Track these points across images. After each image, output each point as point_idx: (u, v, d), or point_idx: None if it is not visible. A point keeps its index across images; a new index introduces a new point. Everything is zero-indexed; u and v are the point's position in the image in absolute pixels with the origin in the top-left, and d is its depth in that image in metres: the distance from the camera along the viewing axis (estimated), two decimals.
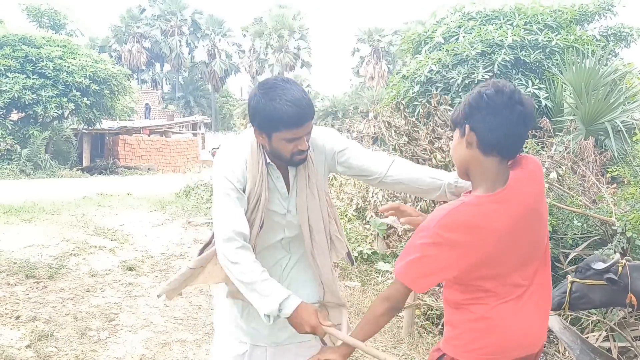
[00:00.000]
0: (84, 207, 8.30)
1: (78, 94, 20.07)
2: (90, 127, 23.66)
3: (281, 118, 1.94)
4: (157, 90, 53.65)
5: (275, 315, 1.95)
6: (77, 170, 21.61)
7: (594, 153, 6.81)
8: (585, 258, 3.75)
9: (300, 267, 2.30)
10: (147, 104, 48.99)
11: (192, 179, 11.03)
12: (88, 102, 20.55)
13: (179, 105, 50.95)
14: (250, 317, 2.24)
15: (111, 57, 37.21)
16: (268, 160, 2.11)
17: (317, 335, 2.00)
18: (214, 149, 31.67)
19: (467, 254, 1.68)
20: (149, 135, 28.08)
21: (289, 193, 2.17)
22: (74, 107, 20.44)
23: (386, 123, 6.65)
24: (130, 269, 5.61)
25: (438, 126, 6.33)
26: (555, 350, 4.96)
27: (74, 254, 5.78)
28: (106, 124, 25.49)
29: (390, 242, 6.56)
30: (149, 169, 24.22)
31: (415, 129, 6.55)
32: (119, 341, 4.21)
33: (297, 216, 2.19)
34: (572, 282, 3.52)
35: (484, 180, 1.74)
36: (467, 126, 1.71)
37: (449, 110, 7.10)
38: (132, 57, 48.82)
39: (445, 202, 2.07)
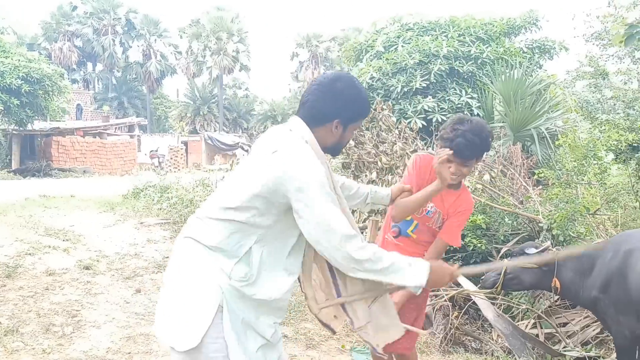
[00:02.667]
0: (30, 208, 8.23)
1: (7, 96, 19.44)
2: (20, 128, 22.89)
3: (367, 109, 2.23)
4: (89, 90, 52.12)
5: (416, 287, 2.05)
6: (8, 172, 20.89)
7: (522, 157, 7.41)
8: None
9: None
10: (78, 105, 47.55)
11: (139, 181, 11.02)
12: (18, 103, 19.92)
13: (112, 107, 49.65)
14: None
15: (40, 55, 35.94)
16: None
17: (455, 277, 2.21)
18: (152, 151, 31.22)
19: None
20: (83, 137, 27.37)
21: None
22: (2, 108, 19.75)
23: None
24: (87, 268, 5.71)
25: (382, 131, 6.74)
26: (489, 337, 5.45)
27: (30, 254, 5.82)
28: (37, 125, 24.69)
29: None
30: (84, 171, 23.64)
31: (361, 133, 6.94)
32: (83, 336, 4.34)
33: None
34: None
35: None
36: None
37: (390, 116, 7.55)
38: (62, 56, 47.23)
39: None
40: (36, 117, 22.06)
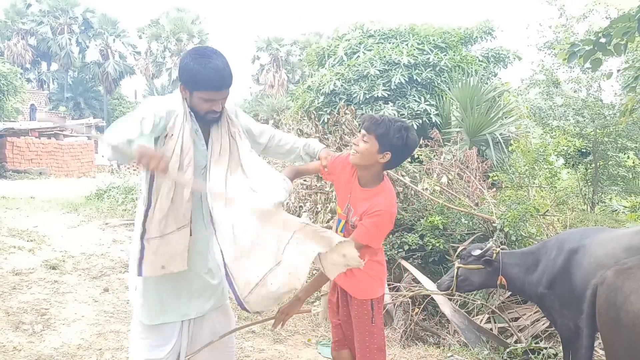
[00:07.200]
0: None
1: None
2: None
3: (203, 80, 2.35)
4: (43, 90, 50.82)
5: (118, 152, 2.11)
6: None
7: (477, 161, 7.73)
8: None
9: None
10: (32, 105, 46.34)
11: (102, 182, 10.97)
12: None
13: (68, 107, 48.54)
14: (177, 295, 2.52)
15: None
16: (189, 111, 2.46)
17: (160, 169, 2.07)
18: None
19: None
20: (38, 138, 26.74)
21: (207, 147, 2.51)
22: None
23: (298, 130, 7.22)
24: (54, 268, 5.75)
25: (345, 134, 6.97)
26: (446, 332, 5.73)
27: None
28: None
29: None
30: (40, 173, 23.12)
31: (325, 137, 7.16)
32: (54, 333, 4.41)
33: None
34: (458, 268, 4.33)
35: (378, 178, 2.71)
36: (388, 152, 2.58)
37: (353, 121, 7.80)
38: (16, 55, 45.95)
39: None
40: None
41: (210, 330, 2.66)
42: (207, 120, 2.48)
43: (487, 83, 10.16)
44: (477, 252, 4.26)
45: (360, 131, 2.70)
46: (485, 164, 7.92)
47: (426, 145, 8.09)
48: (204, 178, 2.48)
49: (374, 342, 2.74)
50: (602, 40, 4.16)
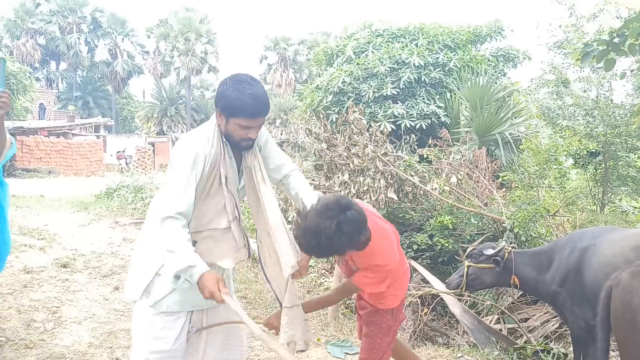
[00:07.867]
0: None
1: None
2: None
3: (241, 107, 2.37)
4: (52, 89, 51.10)
5: (183, 277, 2.32)
6: None
7: (487, 161, 7.70)
8: None
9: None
10: (41, 104, 46.61)
11: (111, 182, 11.02)
12: None
13: (76, 106, 48.81)
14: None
15: (2, 52, 35.11)
16: (224, 140, 2.51)
17: (216, 301, 2.24)
18: (119, 152, 30.82)
19: None
20: (47, 137, 26.88)
21: (239, 172, 2.60)
22: None
23: (307, 130, 7.20)
24: (64, 266, 5.77)
25: (354, 134, 6.95)
26: (455, 332, 5.71)
27: None
28: None
29: None
30: (49, 171, 23.23)
31: (334, 136, 7.15)
32: (65, 331, 4.43)
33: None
34: (468, 267, 4.30)
35: None
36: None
37: (362, 119, 7.78)
38: (25, 54, 46.24)
39: None
40: None
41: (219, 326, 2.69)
42: (240, 147, 2.53)
43: (496, 83, 10.11)
44: (490, 251, 4.24)
45: None
46: (495, 164, 7.88)
47: (435, 145, 8.07)
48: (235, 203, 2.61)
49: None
50: (616, 40, 4.13)
